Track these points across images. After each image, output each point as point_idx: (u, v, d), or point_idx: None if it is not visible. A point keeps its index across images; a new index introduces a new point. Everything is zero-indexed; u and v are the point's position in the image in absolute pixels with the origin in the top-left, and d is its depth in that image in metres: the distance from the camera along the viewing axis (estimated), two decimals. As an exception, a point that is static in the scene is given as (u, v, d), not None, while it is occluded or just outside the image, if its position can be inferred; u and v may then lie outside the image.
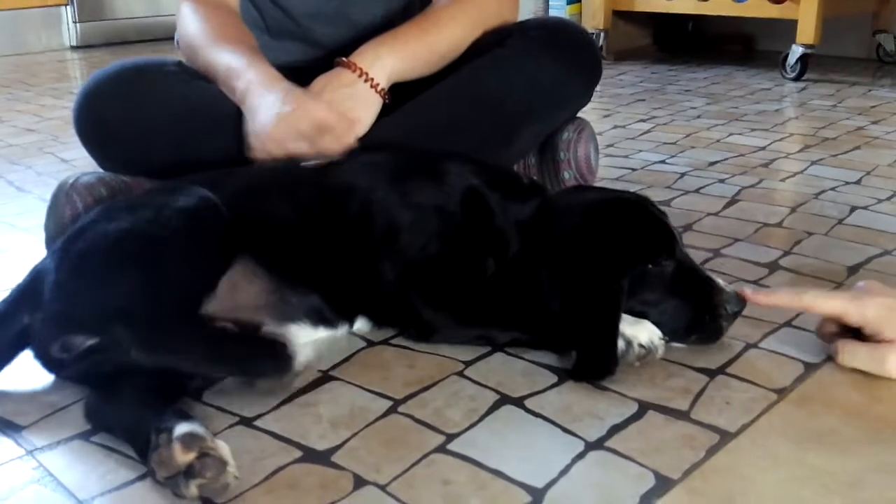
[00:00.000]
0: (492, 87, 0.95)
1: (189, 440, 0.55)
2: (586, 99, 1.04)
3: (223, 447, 0.56)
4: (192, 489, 0.54)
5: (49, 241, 0.84)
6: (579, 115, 1.08)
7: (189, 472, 0.54)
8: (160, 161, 0.93)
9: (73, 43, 3.05)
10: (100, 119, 0.94)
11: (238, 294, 0.73)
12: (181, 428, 0.56)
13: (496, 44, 0.97)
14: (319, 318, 0.76)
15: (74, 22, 3.02)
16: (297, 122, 0.85)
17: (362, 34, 1.00)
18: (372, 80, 0.92)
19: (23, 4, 2.92)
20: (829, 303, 0.70)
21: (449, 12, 1.00)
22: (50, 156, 1.53)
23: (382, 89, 0.93)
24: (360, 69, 0.92)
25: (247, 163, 0.90)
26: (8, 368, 0.69)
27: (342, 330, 0.79)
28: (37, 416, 0.67)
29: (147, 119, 0.93)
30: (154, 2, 3.07)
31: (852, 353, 0.70)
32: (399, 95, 0.96)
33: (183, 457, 0.54)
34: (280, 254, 0.75)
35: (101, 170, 0.97)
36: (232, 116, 0.92)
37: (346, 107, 0.91)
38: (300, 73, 0.94)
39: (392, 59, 0.93)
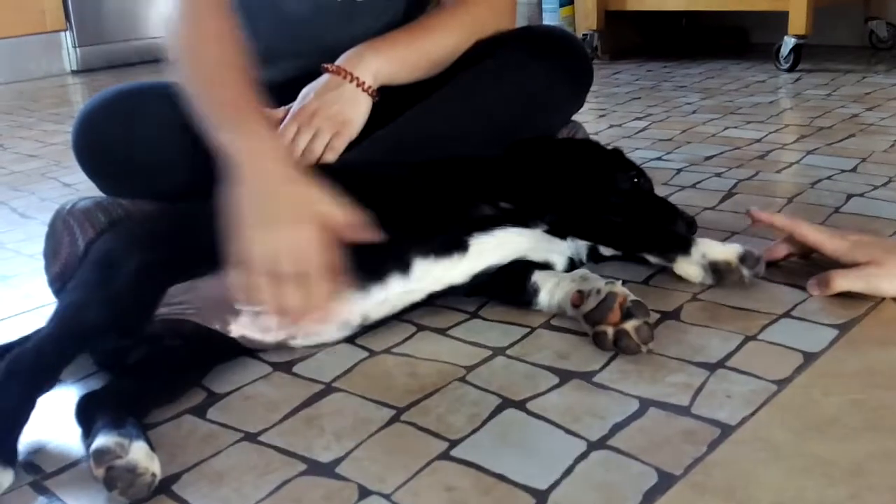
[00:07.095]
0: (484, 98, 0.95)
1: (98, 456, 0.58)
2: (578, 105, 1.05)
3: (136, 451, 0.59)
4: (119, 498, 0.58)
5: (48, 268, 0.85)
6: (574, 117, 1.08)
7: (108, 485, 0.58)
8: (159, 184, 0.94)
9: (74, 67, 3.08)
10: (97, 144, 0.95)
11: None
12: (96, 444, 0.59)
13: (487, 54, 0.97)
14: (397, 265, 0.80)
15: (74, 47, 3.05)
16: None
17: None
18: (357, 78, 0.92)
19: (22, 32, 2.95)
20: (814, 234, 0.86)
21: (442, 20, 1.01)
22: (52, 181, 1.55)
23: (370, 87, 0.93)
24: (345, 70, 0.93)
25: None
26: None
27: (408, 279, 0.80)
28: (44, 442, 0.67)
29: (144, 142, 0.94)
30: (154, 23, 3.10)
31: (844, 277, 0.81)
32: (393, 105, 0.97)
33: (97, 472, 0.58)
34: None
35: (100, 194, 0.98)
36: None
37: (335, 110, 0.91)
38: (292, 86, 0.95)
39: (376, 60, 0.94)
